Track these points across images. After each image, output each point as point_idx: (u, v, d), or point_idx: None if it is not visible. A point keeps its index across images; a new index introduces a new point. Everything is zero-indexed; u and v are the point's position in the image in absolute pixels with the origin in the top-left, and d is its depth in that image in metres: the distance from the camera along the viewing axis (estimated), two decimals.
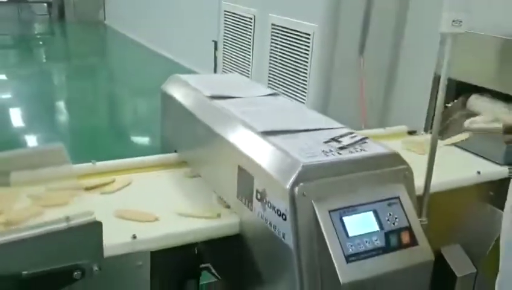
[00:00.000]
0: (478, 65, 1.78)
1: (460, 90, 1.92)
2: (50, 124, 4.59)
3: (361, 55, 3.19)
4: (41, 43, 8.58)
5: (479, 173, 1.41)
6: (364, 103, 3.20)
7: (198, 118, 1.26)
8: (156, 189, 1.27)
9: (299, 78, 3.34)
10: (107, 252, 0.96)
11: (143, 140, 4.34)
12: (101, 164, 1.34)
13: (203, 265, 1.52)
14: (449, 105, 1.93)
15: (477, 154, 1.55)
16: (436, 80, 1.88)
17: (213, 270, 1.50)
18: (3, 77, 6.40)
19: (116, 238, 0.99)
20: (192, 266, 1.47)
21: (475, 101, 1.88)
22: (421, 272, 0.95)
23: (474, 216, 1.44)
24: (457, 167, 1.47)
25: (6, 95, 5.61)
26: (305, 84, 3.29)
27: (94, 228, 0.93)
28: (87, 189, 1.21)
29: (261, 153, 1.01)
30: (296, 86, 3.38)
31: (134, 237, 1.01)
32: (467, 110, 1.89)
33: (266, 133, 1.06)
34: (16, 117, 4.87)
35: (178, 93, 1.43)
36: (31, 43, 8.36)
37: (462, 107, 1.93)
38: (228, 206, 1.15)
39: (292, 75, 3.40)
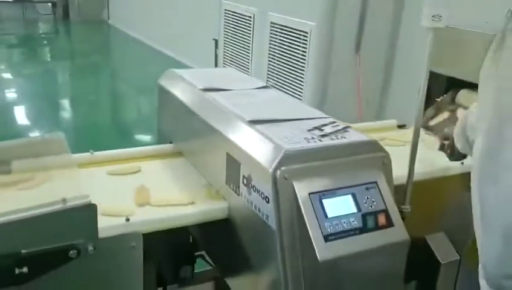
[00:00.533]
0: (466, 60, 1.83)
1: (451, 85, 1.97)
2: (54, 121, 4.67)
3: (358, 53, 3.25)
4: (45, 42, 8.68)
5: (462, 163, 1.47)
6: (360, 100, 3.26)
7: (191, 110, 1.31)
8: (151, 177, 1.33)
9: (297, 75, 3.39)
10: (102, 233, 1.02)
11: (144, 135, 4.41)
12: (98, 154, 1.41)
13: (197, 253, 1.58)
14: (439, 100, 1.98)
15: None
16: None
17: (207, 258, 1.56)
18: (8, 75, 6.48)
19: (110, 220, 1.05)
20: (187, 253, 1.53)
21: (465, 96, 1.93)
22: (396, 251, 1.01)
23: (458, 205, 1.49)
24: (442, 157, 1.52)
25: (12, 93, 5.70)
26: (302, 81, 3.35)
27: (89, 210, 0.99)
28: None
29: (248, 141, 1.07)
30: (293, 83, 3.43)
31: (127, 219, 1.07)
32: (456, 104, 1.94)
33: (253, 122, 1.12)
34: (21, 114, 4.95)
35: (173, 86, 1.49)
36: (36, 42, 8.46)
37: (451, 101, 1.98)
38: (217, 192, 1.21)
39: (290, 73, 3.46)
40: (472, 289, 0.85)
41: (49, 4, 9.82)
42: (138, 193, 1.20)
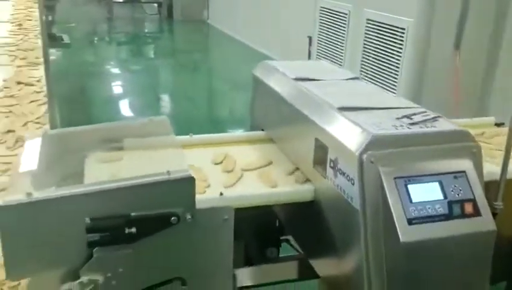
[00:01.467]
0: None
1: None
2: (155, 112, 5.02)
3: (457, 50, 3.12)
4: (150, 40, 9.27)
5: None
6: (458, 97, 3.13)
7: (283, 98, 1.39)
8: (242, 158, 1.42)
9: (391, 73, 3.34)
10: (199, 204, 1.12)
11: (236, 127, 4.59)
12: (197, 137, 1.53)
13: (283, 237, 1.66)
14: None
15: None
16: None
17: (292, 243, 1.63)
18: (117, 70, 7.03)
19: (206, 194, 1.16)
20: (273, 235, 1.61)
21: None
22: (482, 241, 1.00)
23: None
24: None
25: (119, 86, 6.19)
26: (396, 78, 3.29)
27: (189, 182, 1.09)
28: None
29: (336, 126, 1.12)
30: (387, 80, 3.39)
31: (221, 193, 1.17)
32: None
33: (342, 109, 1.17)
34: (127, 105, 5.38)
35: (266, 76, 1.57)
36: (142, 40, 9.07)
37: None
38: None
39: (384, 69, 3.41)
40: None
41: (155, 5, 10.47)
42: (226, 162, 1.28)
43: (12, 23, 3.32)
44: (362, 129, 1.05)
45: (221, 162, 1.39)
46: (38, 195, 0.99)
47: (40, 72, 2.49)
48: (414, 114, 1.15)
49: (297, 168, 1.32)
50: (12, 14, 3.57)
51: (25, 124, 1.94)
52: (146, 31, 10.00)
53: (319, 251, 1.24)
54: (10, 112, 2.05)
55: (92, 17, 9.95)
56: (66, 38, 5.04)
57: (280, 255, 1.61)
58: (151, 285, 1.13)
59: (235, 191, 1.21)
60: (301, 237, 1.39)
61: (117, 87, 6.15)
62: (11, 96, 2.21)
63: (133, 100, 5.56)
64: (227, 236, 1.18)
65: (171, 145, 1.35)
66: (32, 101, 2.17)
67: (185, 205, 1.10)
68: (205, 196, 1.16)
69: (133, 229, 1.05)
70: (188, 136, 1.53)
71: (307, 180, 1.26)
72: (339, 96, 1.27)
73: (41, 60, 2.59)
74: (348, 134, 1.07)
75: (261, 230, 1.58)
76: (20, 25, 3.32)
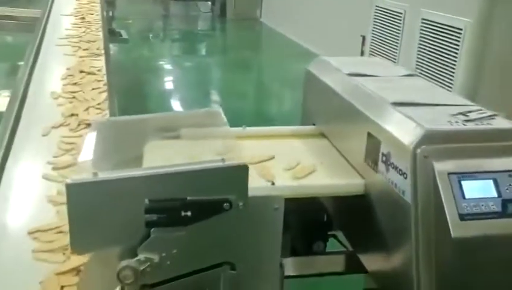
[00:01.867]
0: None
1: None
2: (205, 107, 5.13)
3: None
4: (203, 37, 9.44)
5: None
6: None
7: (336, 92, 1.40)
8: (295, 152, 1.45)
9: (447, 72, 3.27)
10: (251, 192, 1.16)
11: (284, 124, 4.61)
12: (250, 129, 1.57)
13: (331, 232, 1.67)
14: None
15: None
16: None
17: (340, 239, 1.64)
18: (169, 66, 7.21)
19: (258, 183, 1.20)
20: (321, 229, 1.63)
21: None
22: None
23: None
24: None
25: (171, 82, 6.36)
26: (452, 79, 3.22)
27: (242, 170, 1.13)
28: None
29: (389, 121, 1.13)
30: (443, 80, 3.32)
31: (272, 183, 1.20)
32: None
33: (396, 104, 1.17)
34: (178, 100, 5.53)
35: (320, 72, 1.59)
36: (195, 38, 9.24)
37: None
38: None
39: (439, 69, 3.34)
40: None
41: (209, 3, 10.65)
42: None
43: (75, 16, 3.54)
44: (417, 124, 1.05)
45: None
46: (103, 175, 1.06)
47: (101, 62, 2.68)
48: (470, 111, 1.14)
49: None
50: (76, 8, 3.79)
51: (87, 109, 2.10)
52: (199, 28, 10.19)
53: (368, 245, 1.25)
54: (74, 97, 2.22)
55: (148, 14, 10.25)
56: (124, 34, 5.24)
57: (326, 251, 1.62)
58: (202, 267, 1.18)
59: (286, 181, 1.24)
60: (350, 231, 1.40)
61: (169, 82, 6.33)
62: (75, 83, 2.38)
63: (184, 95, 5.71)
64: (277, 225, 1.21)
65: (225, 135, 1.39)
66: (93, 89, 2.33)
67: (238, 192, 1.14)
68: (257, 185, 1.19)
69: (189, 213, 1.10)
70: (241, 128, 1.58)
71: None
72: (393, 91, 1.27)
73: (102, 51, 2.84)
74: (402, 128, 1.07)
75: (309, 223, 1.60)
76: (83, 18, 3.52)
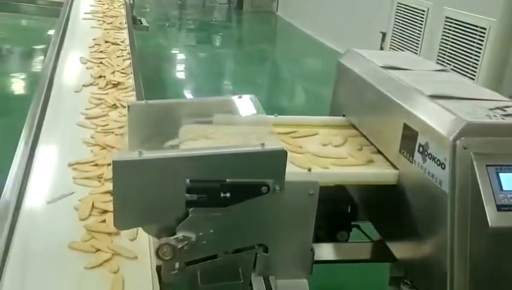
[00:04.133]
0: None
1: None
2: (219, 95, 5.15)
3: None
4: (219, 29, 9.44)
5: None
6: None
7: (371, 84, 1.42)
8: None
9: (468, 72, 3.27)
10: (287, 177, 1.19)
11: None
12: (282, 117, 1.60)
13: (355, 222, 1.70)
14: None
15: None
16: None
17: (363, 230, 1.67)
18: (182, 56, 7.23)
19: (295, 169, 1.22)
20: (345, 220, 1.66)
21: None
22: None
23: None
24: None
25: (187, 71, 6.39)
26: (473, 79, 3.22)
27: (281, 155, 1.16)
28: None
29: (427, 112, 1.15)
30: None
31: (309, 169, 1.23)
32: None
33: (433, 97, 1.19)
34: (193, 90, 5.57)
35: (353, 64, 1.61)
36: (211, 29, 9.25)
37: None
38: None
39: (461, 69, 3.34)
40: None
41: None
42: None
43: (95, 14, 3.81)
44: (456, 116, 1.07)
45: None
46: (148, 154, 1.09)
47: (124, 35, 3.06)
48: (508, 106, 1.16)
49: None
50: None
51: (113, 72, 2.42)
52: (215, 19, 10.20)
53: (398, 234, 1.28)
54: (101, 62, 2.56)
55: (164, 2, 10.27)
56: (144, 22, 5.27)
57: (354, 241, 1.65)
58: (237, 248, 1.21)
59: (321, 168, 1.27)
60: (379, 221, 1.42)
61: (185, 72, 6.36)
62: (101, 51, 2.73)
63: (199, 84, 5.74)
64: (311, 210, 1.24)
65: (261, 122, 1.42)
66: (118, 56, 2.66)
67: (275, 176, 1.16)
68: (294, 170, 1.22)
69: (228, 194, 1.13)
70: (273, 116, 1.60)
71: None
72: (428, 84, 1.29)
73: (125, 25, 3.25)
74: (440, 120, 1.09)
75: (333, 212, 1.63)
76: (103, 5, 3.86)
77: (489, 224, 0.96)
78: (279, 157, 1.16)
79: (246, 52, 7.66)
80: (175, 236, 1.13)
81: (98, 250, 1.23)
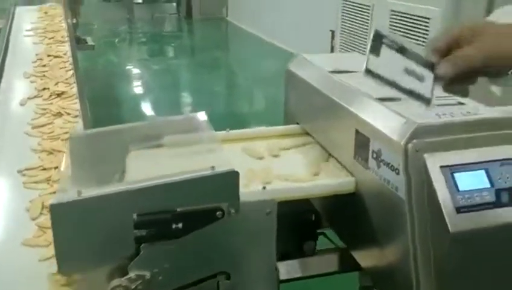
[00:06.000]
0: None
1: None
2: (177, 109, 5.07)
3: None
4: (170, 39, 9.33)
5: None
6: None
7: (320, 90, 1.39)
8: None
9: None
10: (242, 198, 1.13)
11: (259, 122, 4.60)
12: (233, 132, 1.54)
13: (320, 230, 1.66)
14: None
15: None
16: None
17: (330, 236, 1.63)
18: (138, 70, 7.10)
19: (248, 188, 1.17)
20: (310, 228, 1.62)
21: None
22: None
23: None
24: None
25: (141, 86, 6.26)
26: None
27: (232, 177, 1.10)
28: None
29: (377, 117, 1.12)
30: None
31: (264, 187, 1.18)
32: None
33: (382, 100, 1.16)
34: (149, 104, 5.45)
35: (301, 70, 1.57)
36: (162, 40, 9.13)
37: None
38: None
39: None
40: None
41: (174, 4, 10.54)
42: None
43: (39, 11, 4.04)
44: (406, 119, 1.04)
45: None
46: (88, 193, 1.01)
47: (65, 48, 3.10)
48: (455, 103, 1.14)
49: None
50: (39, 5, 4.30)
51: (56, 83, 2.50)
52: (166, 30, 10.08)
53: (361, 243, 1.24)
54: (44, 75, 2.62)
55: (112, 18, 10.07)
56: (90, 41, 5.12)
57: (318, 249, 1.61)
58: (196, 280, 1.15)
59: (277, 184, 1.22)
60: (341, 229, 1.39)
61: (140, 87, 6.23)
62: (44, 65, 2.79)
63: (156, 98, 5.63)
64: (271, 229, 1.19)
65: (210, 140, 1.36)
66: (61, 68, 2.74)
67: (229, 199, 1.11)
68: (248, 190, 1.17)
69: (180, 225, 1.07)
70: (224, 132, 1.55)
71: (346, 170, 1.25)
72: (377, 87, 1.26)
73: (67, 38, 3.31)
74: (390, 124, 1.07)
75: (297, 223, 1.59)
76: (46, 12, 4.00)
77: (450, 229, 0.94)
78: (231, 179, 1.11)
79: (200, 60, 7.59)
80: (127, 276, 1.07)
81: (50, 243, 1.25)
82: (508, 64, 0.72)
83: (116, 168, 1.35)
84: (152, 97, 5.64)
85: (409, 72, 1.03)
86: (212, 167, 1.09)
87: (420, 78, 1.03)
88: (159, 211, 1.06)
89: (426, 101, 1.03)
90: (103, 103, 5.09)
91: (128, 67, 7.07)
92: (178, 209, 1.08)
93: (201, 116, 1.45)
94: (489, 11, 3.03)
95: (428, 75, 1.03)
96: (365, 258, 1.25)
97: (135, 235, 1.05)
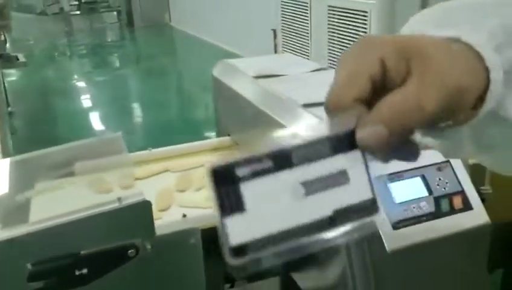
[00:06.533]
0: None
1: None
2: (124, 122, 4.86)
3: None
4: (113, 49, 9.03)
5: None
6: None
7: (244, 98, 1.27)
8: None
9: None
10: (159, 230, 1.00)
11: (210, 129, 4.47)
12: (157, 151, 1.40)
13: None
14: None
15: None
16: None
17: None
18: (81, 83, 6.80)
19: (167, 218, 1.03)
20: None
21: None
22: (477, 237, 0.90)
23: None
24: None
25: (85, 100, 5.98)
26: None
27: (144, 207, 0.97)
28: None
29: (303, 125, 1.00)
30: None
31: (184, 215, 1.05)
32: None
33: (307, 106, 1.05)
34: (94, 118, 5.20)
35: (226, 76, 1.45)
36: (104, 50, 8.82)
37: None
38: None
39: None
40: None
41: (114, 13, 10.22)
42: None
43: None
44: None
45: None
46: None
47: None
48: None
49: None
50: None
51: None
52: (107, 40, 9.76)
53: (299, 264, 1.12)
54: None
55: (50, 32, 9.65)
56: (22, 57, 4.83)
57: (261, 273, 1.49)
58: None
59: (200, 210, 1.09)
60: None
61: (82, 102, 5.95)
62: None
63: (100, 113, 5.38)
64: (196, 261, 1.05)
65: (123, 165, 1.22)
66: None
67: (143, 233, 0.97)
68: (165, 220, 1.03)
69: (84, 270, 0.92)
70: (146, 151, 1.40)
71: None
72: (303, 91, 1.15)
73: None
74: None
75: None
76: None
77: (387, 248, 0.83)
78: (142, 210, 0.97)
79: (146, 69, 7.36)
80: None
81: None
82: (467, 100, 0.34)
83: (20, 203, 1.19)
84: (96, 112, 5.39)
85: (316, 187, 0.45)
86: (119, 199, 0.95)
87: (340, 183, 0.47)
88: (59, 257, 0.91)
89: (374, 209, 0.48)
90: (40, 122, 4.82)
91: (69, 81, 6.76)
92: (82, 252, 0.93)
93: (117, 137, 1.30)
94: (423, 4, 3.02)
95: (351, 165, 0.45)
96: (305, 280, 1.13)
97: (31, 288, 0.89)
